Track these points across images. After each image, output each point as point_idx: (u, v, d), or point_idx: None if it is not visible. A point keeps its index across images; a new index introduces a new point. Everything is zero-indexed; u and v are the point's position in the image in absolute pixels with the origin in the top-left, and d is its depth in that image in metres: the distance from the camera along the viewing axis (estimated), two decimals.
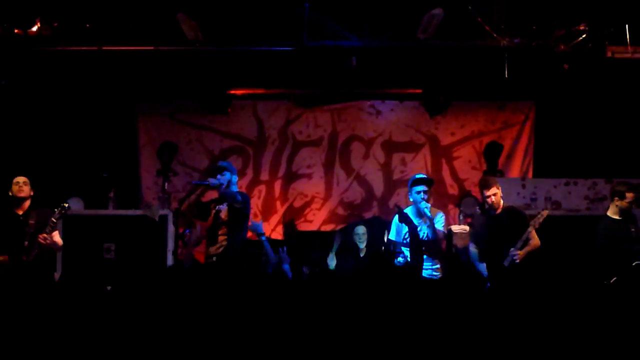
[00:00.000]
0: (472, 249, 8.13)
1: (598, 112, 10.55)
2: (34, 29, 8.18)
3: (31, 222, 7.66)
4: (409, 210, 8.19)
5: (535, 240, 7.61)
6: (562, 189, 9.91)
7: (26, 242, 7.53)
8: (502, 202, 7.83)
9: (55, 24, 8.46)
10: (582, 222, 8.67)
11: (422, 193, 8.01)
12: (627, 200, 7.81)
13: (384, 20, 8.74)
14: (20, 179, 7.76)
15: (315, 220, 11.19)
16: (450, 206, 10.98)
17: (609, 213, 7.95)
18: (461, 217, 9.79)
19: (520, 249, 7.55)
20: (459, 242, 9.42)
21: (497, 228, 7.75)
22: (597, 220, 8.02)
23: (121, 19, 8.51)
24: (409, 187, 8.16)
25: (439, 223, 8.12)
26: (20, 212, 7.72)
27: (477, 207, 9.38)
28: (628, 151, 10.33)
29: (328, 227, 11.00)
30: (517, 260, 7.48)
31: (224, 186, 7.72)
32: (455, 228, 9.64)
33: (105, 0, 8.11)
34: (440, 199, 11.09)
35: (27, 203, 7.75)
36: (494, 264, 7.71)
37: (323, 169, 11.28)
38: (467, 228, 9.44)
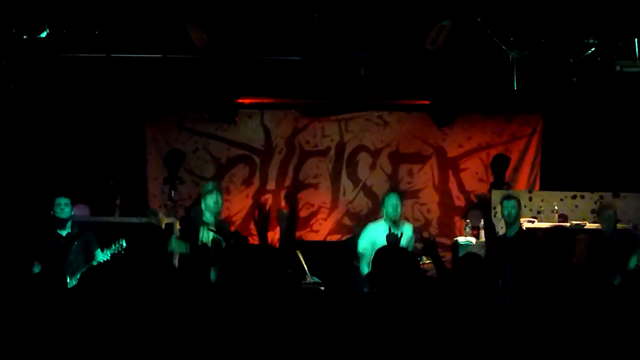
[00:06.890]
0: None
1: (606, 126, 10.53)
2: (43, 35, 8.17)
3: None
4: (381, 225, 8.21)
5: None
6: (568, 202, 9.89)
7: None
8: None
9: (64, 31, 8.46)
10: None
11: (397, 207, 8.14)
12: None
13: (393, 31, 8.74)
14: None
15: (322, 230, 11.18)
16: (457, 218, 10.96)
17: None
18: (467, 230, 9.78)
19: None
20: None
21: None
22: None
23: (130, 26, 8.51)
24: (383, 201, 8.28)
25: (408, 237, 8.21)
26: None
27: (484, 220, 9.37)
28: (635, 165, 10.30)
29: (334, 237, 10.99)
30: None
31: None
32: (461, 240, 9.65)
33: (114, 8, 8.10)
34: (446, 211, 11.10)
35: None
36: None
37: (330, 179, 11.27)
38: (473, 240, 9.45)
